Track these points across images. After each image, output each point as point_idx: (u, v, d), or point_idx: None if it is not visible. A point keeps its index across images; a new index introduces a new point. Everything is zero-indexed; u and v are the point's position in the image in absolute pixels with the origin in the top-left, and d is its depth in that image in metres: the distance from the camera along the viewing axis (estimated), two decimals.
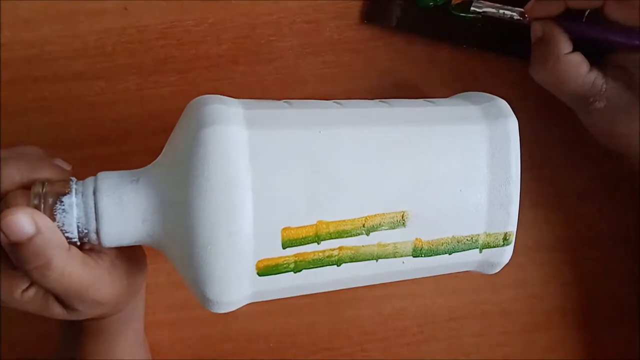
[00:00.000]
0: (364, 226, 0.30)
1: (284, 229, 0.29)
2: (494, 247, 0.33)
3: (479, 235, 0.32)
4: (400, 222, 0.31)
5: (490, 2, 0.37)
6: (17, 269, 0.28)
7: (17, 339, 0.44)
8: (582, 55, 0.33)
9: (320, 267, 0.30)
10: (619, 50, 0.34)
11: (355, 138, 0.31)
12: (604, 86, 0.32)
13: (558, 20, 0.34)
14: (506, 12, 0.36)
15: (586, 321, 0.46)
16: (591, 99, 0.32)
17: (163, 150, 0.31)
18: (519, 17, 0.36)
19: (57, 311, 0.30)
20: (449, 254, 0.32)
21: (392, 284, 0.34)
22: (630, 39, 0.32)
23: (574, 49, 0.34)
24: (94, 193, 0.29)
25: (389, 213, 0.30)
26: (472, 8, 0.36)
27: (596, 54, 0.35)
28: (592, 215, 0.44)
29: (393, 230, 0.30)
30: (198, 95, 0.31)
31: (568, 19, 0.34)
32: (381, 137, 0.31)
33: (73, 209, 0.28)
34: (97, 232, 0.29)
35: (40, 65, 0.41)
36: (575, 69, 0.32)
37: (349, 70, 0.43)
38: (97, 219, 0.28)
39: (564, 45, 0.33)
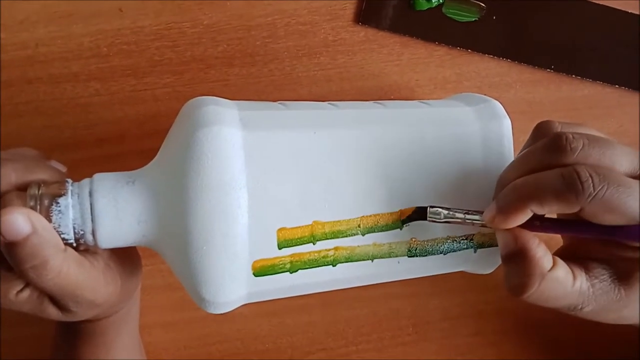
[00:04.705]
0: (359, 226, 0.30)
1: (280, 230, 0.29)
2: (489, 246, 0.33)
3: (473, 235, 0.32)
4: (396, 222, 0.31)
5: (444, 208, 0.30)
6: (12, 270, 0.28)
7: (12, 341, 0.44)
8: (565, 265, 0.28)
9: (316, 267, 0.30)
10: (592, 242, 0.29)
11: (350, 139, 0.31)
12: (591, 289, 0.28)
13: (530, 225, 0.28)
14: (467, 218, 0.30)
15: (581, 320, 0.46)
16: (580, 306, 0.28)
17: (159, 152, 0.31)
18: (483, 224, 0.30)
19: (52, 312, 0.30)
20: (444, 254, 0.32)
21: (386, 283, 0.34)
22: (613, 234, 0.27)
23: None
24: (90, 194, 0.29)
25: (385, 213, 0.30)
26: (429, 217, 0.30)
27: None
28: None
29: (388, 230, 0.31)
30: (193, 97, 0.31)
31: (539, 218, 0.28)
32: (376, 138, 0.31)
33: (69, 210, 0.28)
34: (93, 233, 0.29)
35: (34, 67, 0.41)
36: (561, 285, 0.27)
37: (344, 71, 0.43)
38: (93, 220, 0.28)
39: (545, 260, 0.27)
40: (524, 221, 0.28)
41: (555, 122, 0.29)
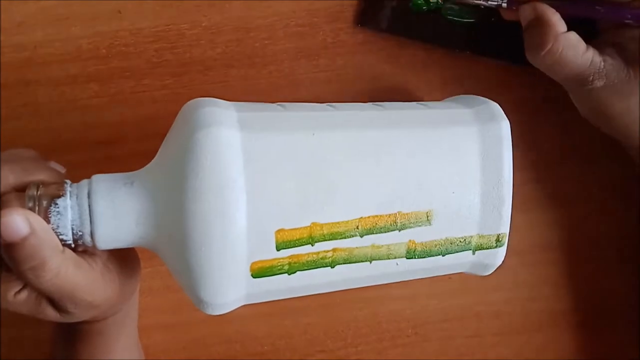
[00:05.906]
0: (357, 228, 0.30)
1: (278, 231, 0.29)
2: (487, 248, 0.33)
3: (472, 236, 0.32)
4: (394, 224, 0.31)
5: None
6: (10, 271, 0.28)
7: (12, 341, 0.44)
8: (578, 35, 0.33)
9: (314, 268, 0.30)
10: (609, 28, 0.34)
11: (348, 140, 0.31)
12: (602, 63, 0.32)
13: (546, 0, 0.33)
14: (491, 1, 0.35)
15: (578, 322, 0.46)
16: (590, 78, 0.32)
17: (157, 153, 0.31)
18: (505, 4, 0.35)
19: (50, 314, 0.30)
20: (442, 256, 0.32)
21: (386, 285, 0.34)
22: (621, 13, 0.32)
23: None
24: (89, 195, 0.29)
25: (383, 215, 0.30)
26: None
27: (586, 35, 0.35)
28: (584, 217, 0.45)
29: (387, 232, 0.31)
30: (192, 99, 0.31)
31: None
32: (374, 139, 0.31)
33: (67, 212, 0.28)
34: (92, 235, 0.29)
35: (33, 69, 0.41)
36: (573, 48, 0.32)
37: (343, 73, 0.43)
38: (91, 222, 0.28)
39: (559, 24, 0.32)
40: None
41: None
